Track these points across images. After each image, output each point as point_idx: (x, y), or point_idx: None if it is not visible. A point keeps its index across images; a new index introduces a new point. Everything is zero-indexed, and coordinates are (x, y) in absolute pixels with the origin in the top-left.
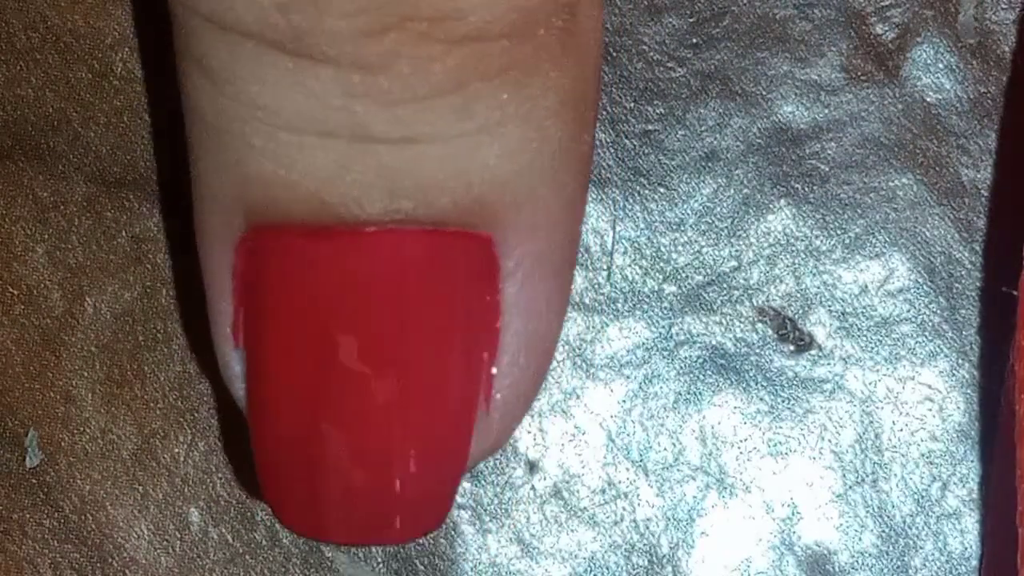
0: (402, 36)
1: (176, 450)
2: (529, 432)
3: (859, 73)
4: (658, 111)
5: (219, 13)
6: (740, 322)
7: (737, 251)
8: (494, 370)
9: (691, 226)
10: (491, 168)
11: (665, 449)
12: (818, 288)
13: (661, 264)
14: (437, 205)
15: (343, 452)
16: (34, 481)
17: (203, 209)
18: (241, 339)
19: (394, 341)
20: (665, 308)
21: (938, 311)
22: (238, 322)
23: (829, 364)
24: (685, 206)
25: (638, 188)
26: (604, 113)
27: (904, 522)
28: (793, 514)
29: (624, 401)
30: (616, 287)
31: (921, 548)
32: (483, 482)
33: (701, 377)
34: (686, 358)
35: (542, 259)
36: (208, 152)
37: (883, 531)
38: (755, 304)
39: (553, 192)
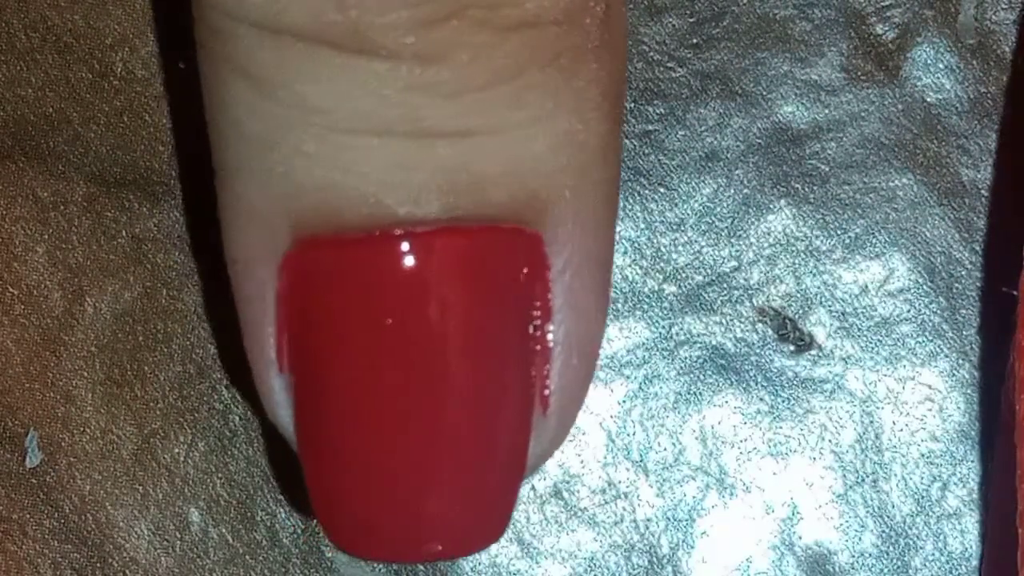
0: (461, 24)
1: (176, 450)
2: None
3: (859, 73)
4: (658, 111)
5: (271, 17)
6: (740, 322)
7: (737, 251)
8: (549, 372)
9: (691, 226)
10: (543, 161)
11: (665, 449)
12: (818, 288)
13: (661, 264)
14: (493, 201)
15: (404, 467)
16: (34, 481)
17: (239, 229)
18: (287, 364)
19: (456, 346)
20: (665, 308)
21: (938, 311)
22: (282, 346)
23: (829, 364)
24: (685, 206)
25: (638, 188)
26: None
27: (904, 522)
28: (793, 514)
29: (624, 401)
30: (616, 287)
31: (921, 548)
32: None
33: (701, 377)
34: (686, 358)
35: (589, 257)
36: (248, 167)
37: (883, 531)
38: (755, 304)
39: (596, 188)
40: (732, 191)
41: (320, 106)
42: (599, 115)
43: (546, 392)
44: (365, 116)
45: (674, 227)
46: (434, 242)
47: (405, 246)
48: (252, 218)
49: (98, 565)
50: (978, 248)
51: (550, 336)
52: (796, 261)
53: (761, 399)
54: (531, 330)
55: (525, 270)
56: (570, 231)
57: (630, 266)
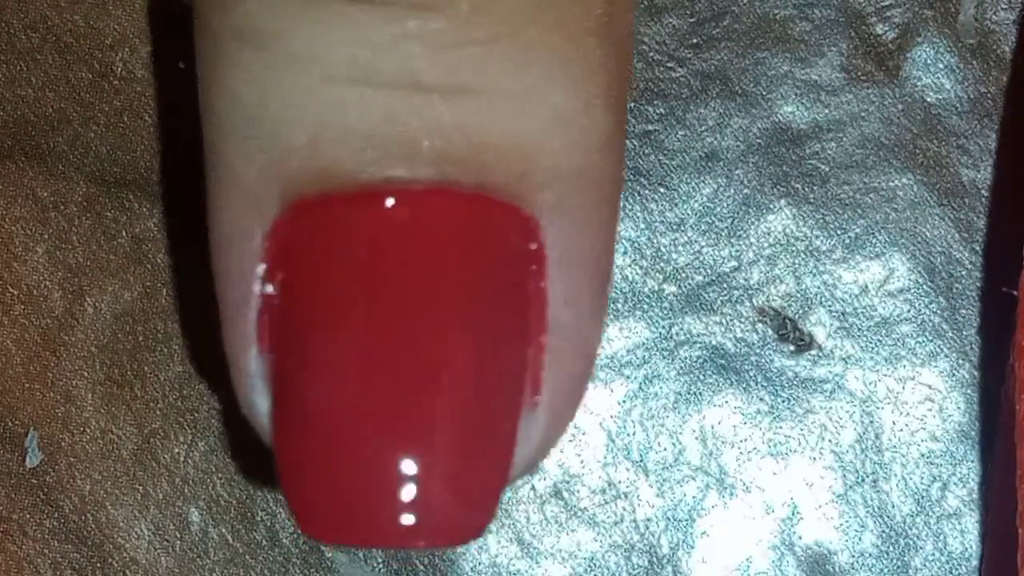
0: None
1: (176, 450)
2: None
3: (859, 73)
4: (658, 111)
5: None
6: (740, 322)
7: (737, 251)
8: (542, 363)
9: (691, 226)
10: (544, 139)
11: (665, 449)
12: (818, 288)
13: (661, 264)
14: (488, 169)
15: (387, 448)
16: (34, 481)
17: (224, 204)
18: (267, 343)
19: (445, 314)
20: (665, 308)
21: (938, 311)
22: (264, 323)
23: (829, 364)
24: (685, 206)
25: (638, 188)
26: None
27: (904, 522)
28: (793, 514)
29: (624, 401)
30: (616, 287)
31: (921, 548)
32: None
33: (701, 377)
34: (686, 358)
35: (586, 257)
36: (238, 136)
37: (883, 531)
38: (755, 304)
39: (598, 186)
40: (732, 191)
41: (314, 55)
42: (604, 107)
43: (539, 387)
44: (359, 66)
45: (674, 227)
46: (426, 201)
47: (392, 203)
48: (239, 189)
49: (98, 565)
50: (978, 248)
51: (546, 323)
52: (796, 261)
53: (761, 399)
54: (525, 318)
55: (519, 251)
56: (568, 224)
57: (630, 266)
